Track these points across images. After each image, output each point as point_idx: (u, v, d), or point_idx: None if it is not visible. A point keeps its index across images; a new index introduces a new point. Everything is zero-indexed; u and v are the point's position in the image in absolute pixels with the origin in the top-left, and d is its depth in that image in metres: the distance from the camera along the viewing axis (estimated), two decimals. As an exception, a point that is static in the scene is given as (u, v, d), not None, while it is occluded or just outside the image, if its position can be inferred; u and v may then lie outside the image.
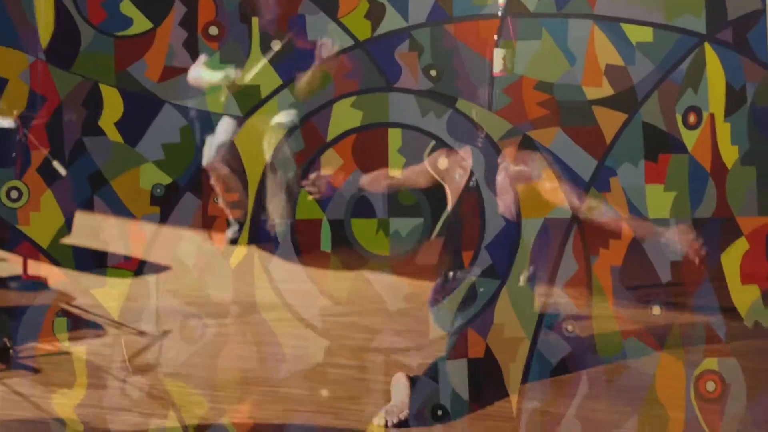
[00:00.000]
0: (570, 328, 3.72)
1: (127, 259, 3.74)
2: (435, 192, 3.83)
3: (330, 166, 3.81)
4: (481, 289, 3.65)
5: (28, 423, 3.26)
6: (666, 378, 3.62)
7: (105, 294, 3.73)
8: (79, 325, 3.62)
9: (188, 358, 3.73)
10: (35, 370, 3.44)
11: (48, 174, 3.73)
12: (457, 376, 3.77)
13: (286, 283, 3.76)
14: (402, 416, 3.56)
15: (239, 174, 3.80)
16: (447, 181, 3.76)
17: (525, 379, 3.68)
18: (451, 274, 3.68)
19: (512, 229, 3.75)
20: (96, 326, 3.64)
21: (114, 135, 3.71)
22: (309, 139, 3.86)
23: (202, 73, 3.77)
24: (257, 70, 3.71)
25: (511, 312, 3.72)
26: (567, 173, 3.70)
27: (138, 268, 3.73)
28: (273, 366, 3.72)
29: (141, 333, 3.62)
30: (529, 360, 3.69)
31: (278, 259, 3.89)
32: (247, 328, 3.83)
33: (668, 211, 3.67)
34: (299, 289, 3.89)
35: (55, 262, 3.72)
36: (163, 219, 3.73)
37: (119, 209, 3.73)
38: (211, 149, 3.82)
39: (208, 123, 3.88)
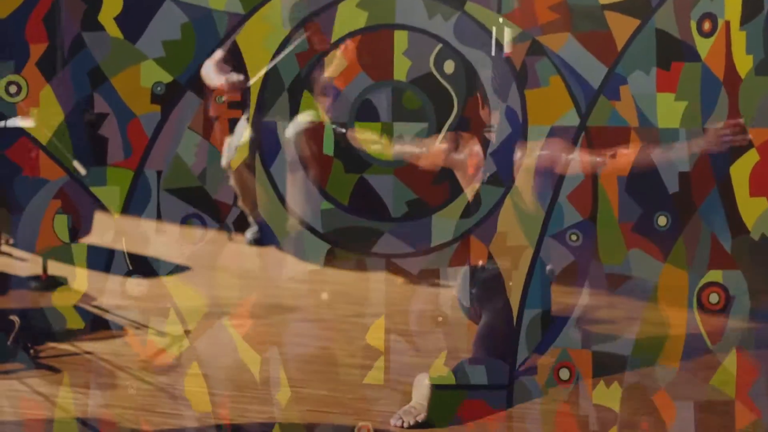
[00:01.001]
0: (574, 237, 3.65)
1: (127, 156, 3.68)
2: (441, 96, 3.76)
3: (334, 68, 3.76)
4: None
5: (49, 423, 3.26)
6: (669, 289, 3.58)
7: (105, 192, 3.69)
8: (100, 325, 3.60)
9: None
10: (56, 370, 3.43)
11: (47, 68, 3.67)
12: (459, 283, 3.80)
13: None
14: (419, 418, 3.50)
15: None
16: (458, 171, 3.70)
17: (526, 288, 3.66)
18: (480, 262, 3.64)
19: (518, 135, 3.69)
20: (116, 326, 3.66)
21: (114, 30, 3.62)
22: (313, 39, 3.77)
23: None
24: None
25: (514, 219, 3.69)
26: (577, 79, 3.61)
27: (138, 166, 3.68)
28: (272, 269, 3.69)
29: (162, 333, 3.60)
30: (531, 268, 3.65)
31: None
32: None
33: (679, 121, 3.59)
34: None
35: (55, 159, 3.67)
36: (164, 118, 3.66)
37: (119, 107, 3.66)
38: (230, 150, 3.82)
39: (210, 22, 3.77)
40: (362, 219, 3.79)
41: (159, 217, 3.71)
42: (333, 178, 3.80)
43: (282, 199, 3.74)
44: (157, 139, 3.66)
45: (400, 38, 3.67)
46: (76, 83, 3.69)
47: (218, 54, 3.71)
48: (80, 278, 3.68)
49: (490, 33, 3.63)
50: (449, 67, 3.71)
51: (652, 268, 3.61)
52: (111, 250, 3.70)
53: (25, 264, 3.84)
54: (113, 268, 3.68)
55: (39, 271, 3.79)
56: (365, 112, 3.75)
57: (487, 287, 3.70)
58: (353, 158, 3.76)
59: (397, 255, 3.73)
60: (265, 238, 4.07)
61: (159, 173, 3.68)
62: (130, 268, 3.69)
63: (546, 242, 3.66)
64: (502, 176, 3.71)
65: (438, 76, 3.72)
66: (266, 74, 3.69)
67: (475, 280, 3.70)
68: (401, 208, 3.77)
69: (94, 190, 3.68)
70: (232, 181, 3.92)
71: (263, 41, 3.67)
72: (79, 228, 3.73)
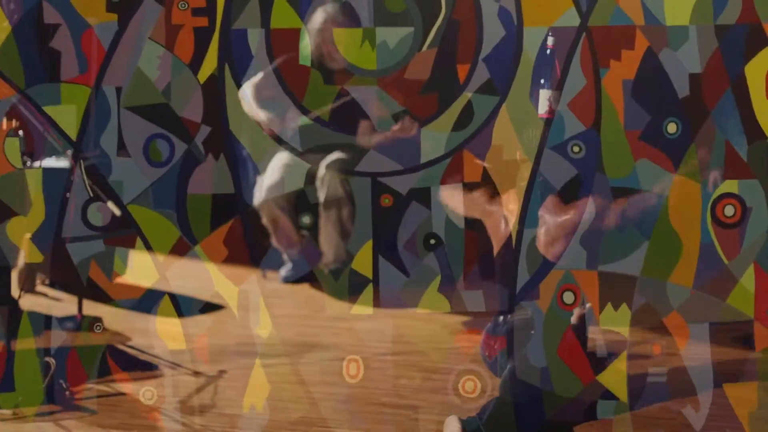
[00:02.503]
0: (576, 148, 3.39)
1: (83, 71, 3.37)
2: None
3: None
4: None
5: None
6: (680, 202, 3.37)
7: (60, 112, 3.37)
8: (135, 365, 3.55)
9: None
10: (92, 412, 3.36)
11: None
12: (451, 203, 3.55)
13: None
14: None
15: (290, 214, 3.85)
16: (486, 220, 3.50)
17: (525, 205, 3.40)
18: (501, 318, 3.42)
19: (513, 38, 3.40)
20: (151, 366, 3.59)
21: (60, -70, 3.35)
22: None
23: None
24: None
25: (511, 131, 3.43)
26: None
27: (95, 82, 3.37)
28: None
29: (197, 373, 3.52)
30: (530, 184, 3.40)
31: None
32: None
33: (688, 17, 3.34)
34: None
35: (2, 76, 3.35)
36: (122, 27, 3.37)
37: (72, 17, 3.35)
38: (261, 189, 3.79)
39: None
40: (345, 135, 3.57)
41: (120, 138, 3.42)
42: (311, 90, 3.55)
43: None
44: (114, 51, 3.38)
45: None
46: (22, -8, 3.41)
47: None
48: (36, 206, 3.39)
49: None
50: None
51: (661, 180, 3.39)
52: (69, 176, 3.39)
53: (60, 304, 3.78)
54: (71, 195, 3.39)
55: (74, 311, 3.73)
56: (344, 17, 3.56)
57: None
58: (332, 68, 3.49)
59: (383, 173, 3.49)
60: (299, 275, 4.11)
61: (119, 90, 3.41)
62: (91, 195, 3.40)
63: (546, 155, 3.40)
64: (496, 84, 3.46)
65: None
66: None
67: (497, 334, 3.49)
68: (387, 121, 3.57)
69: (47, 109, 3.39)
70: (264, 220, 3.88)
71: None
72: (32, 151, 3.42)
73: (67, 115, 3.39)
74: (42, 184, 3.39)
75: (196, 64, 3.42)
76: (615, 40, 3.37)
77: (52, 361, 3.36)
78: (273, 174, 3.78)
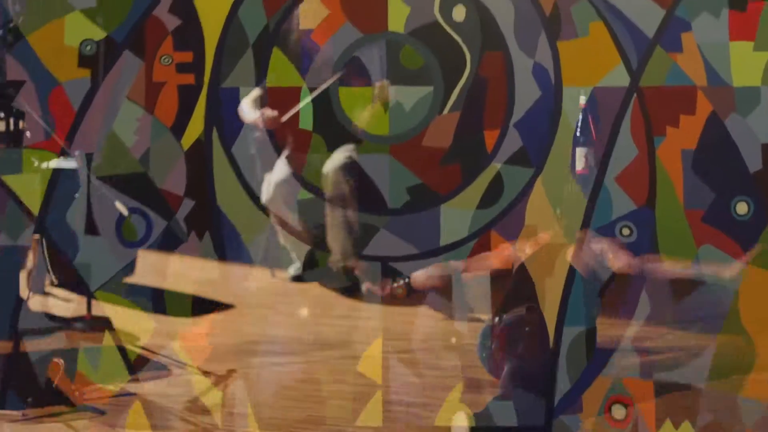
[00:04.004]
0: (626, 231, 3.06)
1: (48, 135, 3.06)
2: (449, 51, 3.24)
3: (312, 17, 3.24)
4: None
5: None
6: (753, 297, 3.05)
7: (21, 182, 3.05)
8: (144, 365, 3.45)
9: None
10: (101, 412, 3.31)
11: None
12: (476, 294, 3.23)
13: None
14: None
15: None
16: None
17: (565, 298, 3.02)
18: (497, 319, 3.15)
19: (550, 100, 3.09)
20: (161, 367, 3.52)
21: (30, -23, 3.19)
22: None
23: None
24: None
25: (548, 210, 3.14)
26: (626, 26, 3.06)
27: (63, 148, 3.06)
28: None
29: (206, 373, 3.39)
30: (570, 273, 3.04)
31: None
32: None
33: (760, 77, 3.06)
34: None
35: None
36: (95, 85, 3.08)
37: (38, 72, 3.07)
38: (269, 186, 3.64)
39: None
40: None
41: (90, 212, 3.14)
42: (313, 159, 3.31)
43: (247, 188, 3.21)
44: (86, 112, 3.10)
45: (394, -21, 3.29)
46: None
47: (255, 92, 3.40)
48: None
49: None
50: (459, 13, 3.24)
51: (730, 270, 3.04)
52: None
53: (69, 305, 3.65)
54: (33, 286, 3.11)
55: (83, 311, 3.57)
56: (352, 73, 3.26)
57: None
58: (338, 132, 3.26)
59: (396, 258, 3.22)
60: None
61: (89, 156, 3.14)
62: (55, 282, 3.07)
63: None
64: (530, 153, 3.18)
65: (445, 26, 3.22)
66: (225, 27, 3.06)
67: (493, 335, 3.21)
68: (401, 196, 3.28)
69: (6, 179, 3.09)
70: (272, 219, 3.71)
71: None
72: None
73: (29, 186, 3.08)
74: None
75: (179, 128, 3.16)
76: (672, 103, 3.11)
77: (60, 361, 3.20)
78: (281, 170, 3.56)
